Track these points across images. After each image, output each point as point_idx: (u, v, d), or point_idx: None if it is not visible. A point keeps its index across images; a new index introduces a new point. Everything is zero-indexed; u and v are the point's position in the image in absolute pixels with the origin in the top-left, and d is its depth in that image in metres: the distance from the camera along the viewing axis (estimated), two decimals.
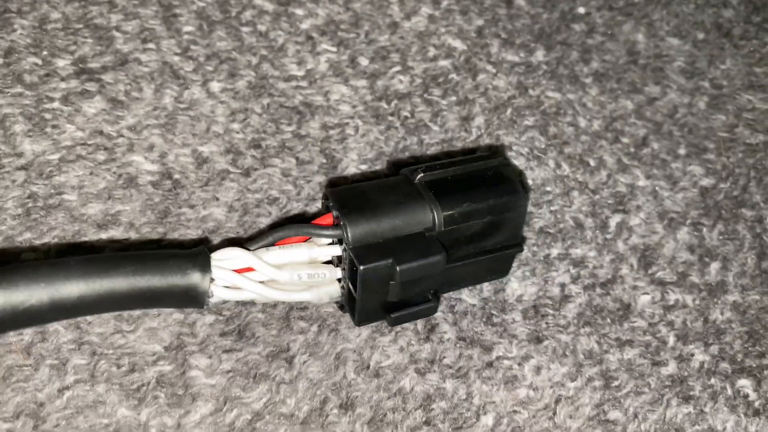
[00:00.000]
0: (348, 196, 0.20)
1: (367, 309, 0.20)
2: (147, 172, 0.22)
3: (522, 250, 0.22)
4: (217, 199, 0.23)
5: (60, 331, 0.20)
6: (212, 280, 0.19)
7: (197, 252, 0.19)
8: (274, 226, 0.22)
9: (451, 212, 0.20)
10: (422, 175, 0.20)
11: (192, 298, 0.19)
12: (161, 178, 0.22)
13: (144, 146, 0.23)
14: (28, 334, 0.20)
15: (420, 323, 0.22)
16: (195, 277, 0.19)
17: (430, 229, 0.20)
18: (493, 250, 0.21)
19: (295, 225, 0.20)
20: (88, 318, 0.20)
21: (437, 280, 0.20)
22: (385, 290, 0.20)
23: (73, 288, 0.18)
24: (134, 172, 0.22)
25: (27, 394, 0.19)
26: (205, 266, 0.19)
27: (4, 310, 0.18)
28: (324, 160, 0.24)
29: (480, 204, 0.20)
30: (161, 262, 0.19)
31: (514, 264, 0.23)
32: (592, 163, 0.25)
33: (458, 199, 0.20)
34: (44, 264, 0.18)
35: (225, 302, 0.21)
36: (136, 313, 0.20)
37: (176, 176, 0.23)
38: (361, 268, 0.19)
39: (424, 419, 0.21)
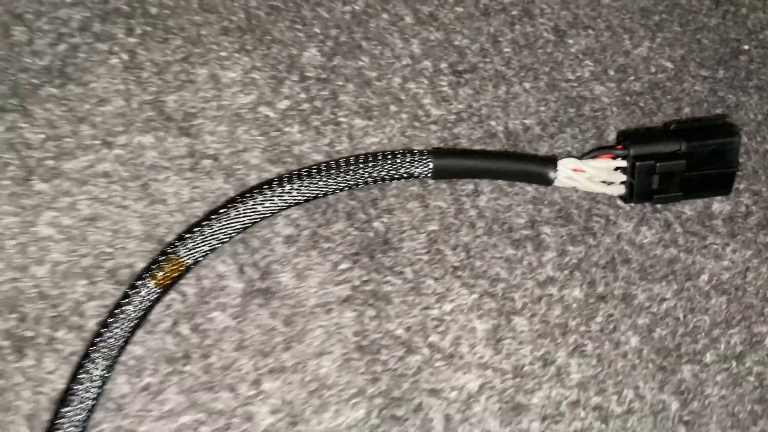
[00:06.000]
0: (632, 133, 0.36)
1: (640, 191, 0.36)
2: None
3: (737, 170, 0.37)
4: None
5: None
6: (556, 171, 0.35)
7: (549, 157, 0.37)
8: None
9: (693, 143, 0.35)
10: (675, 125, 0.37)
11: (543, 179, 0.36)
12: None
13: None
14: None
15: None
16: (545, 168, 0.35)
17: (678, 152, 0.35)
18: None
19: (604, 147, 0.37)
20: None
21: (680, 182, 0.36)
22: (650, 181, 0.35)
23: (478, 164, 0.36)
24: None
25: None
26: (552, 163, 0.36)
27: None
28: None
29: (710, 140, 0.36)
30: (531, 158, 0.37)
31: None
32: None
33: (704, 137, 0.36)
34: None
35: (571, 188, 0.36)
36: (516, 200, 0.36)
37: None
38: (637, 164, 0.35)
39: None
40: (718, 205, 0.38)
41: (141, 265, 0.33)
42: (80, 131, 0.36)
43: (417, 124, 0.38)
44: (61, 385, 0.31)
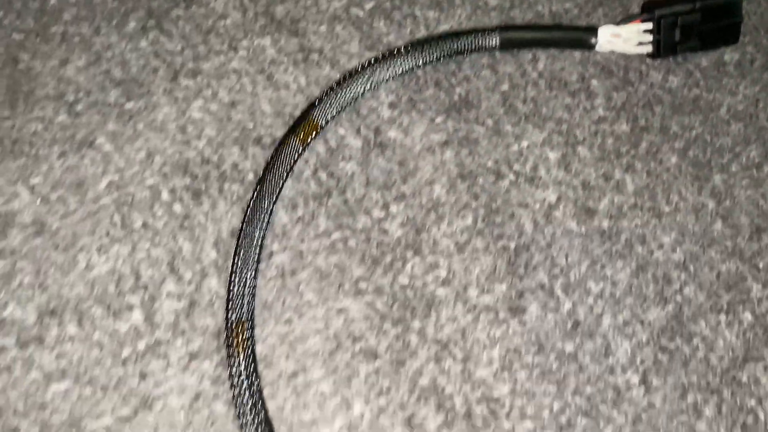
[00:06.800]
0: (654, 1, 0.45)
1: (666, 45, 0.44)
2: None
3: (741, 20, 0.45)
4: None
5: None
6: (597, 37, 0.44)
7: (591, 26, 0.45)
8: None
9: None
10: None
11: (587, 44, 0.44)
12: None
13: None
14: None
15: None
16: (588, 35, 0.44)
17: (693, 9, 0.44)
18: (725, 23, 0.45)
19: (634, 15, 0.45)
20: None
21: (697, 34, 0.44)
22: (673, 35, 0.44)
23: (535, 35, 0.44)
24: None
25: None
26: (593, 31, 0.44)
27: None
28: None
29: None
30: (577, 28, 0.45)
31: None
32: None
33: None
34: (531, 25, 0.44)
35: (610, 51, 0.45)
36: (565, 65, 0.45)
37: None
38: (661, 21, 0.43)
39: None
40: (728, 54, 0.47)
41: (279, 134, 0.42)
42: (209, 40, 0.45)
43: (479, 11, 0.47)
44: (235, 221, 0.40)
